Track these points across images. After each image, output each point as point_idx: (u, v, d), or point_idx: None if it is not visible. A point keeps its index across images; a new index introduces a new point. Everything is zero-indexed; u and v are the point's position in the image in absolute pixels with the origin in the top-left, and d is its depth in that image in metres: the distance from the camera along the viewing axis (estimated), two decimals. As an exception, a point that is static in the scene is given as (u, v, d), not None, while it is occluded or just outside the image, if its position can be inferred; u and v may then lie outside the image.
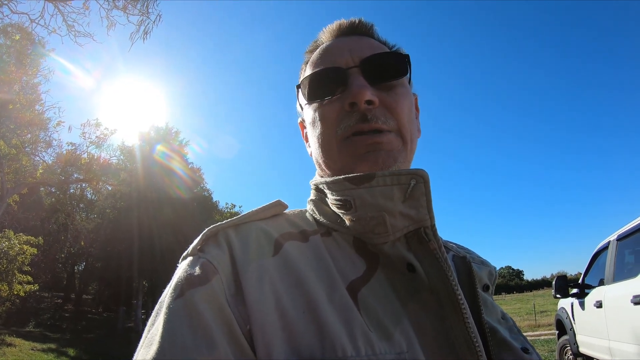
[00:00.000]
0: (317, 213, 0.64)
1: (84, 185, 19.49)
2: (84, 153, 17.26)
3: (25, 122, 13.53)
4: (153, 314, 0.49)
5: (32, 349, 12.98)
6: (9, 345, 12.63)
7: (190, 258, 0.53)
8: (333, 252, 0.57)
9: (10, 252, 15.31)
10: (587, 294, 5.00)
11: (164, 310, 0.46)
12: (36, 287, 17.28)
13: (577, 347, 5.37)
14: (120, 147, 22.81)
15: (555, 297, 5.87)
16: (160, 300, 0.49)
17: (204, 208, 28.86)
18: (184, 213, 24.22)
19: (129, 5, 11.25)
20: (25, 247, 15.94)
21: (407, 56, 0.66)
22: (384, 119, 0.60)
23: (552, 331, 7.22)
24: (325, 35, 0.71)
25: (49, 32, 10.89)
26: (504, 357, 0.56)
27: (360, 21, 0.70)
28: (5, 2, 9.48)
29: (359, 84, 0.59)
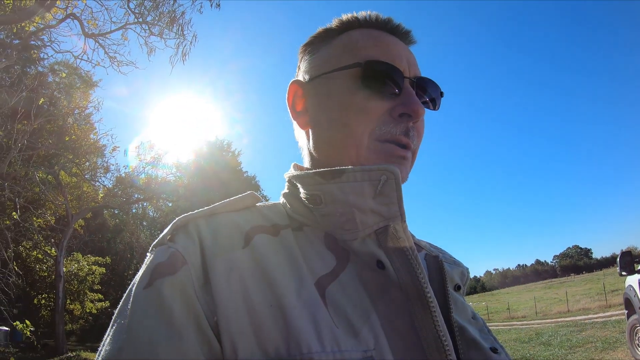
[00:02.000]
0: (289, 207, 0.63)
1: (145, 204, 20.36)
2: (142, 174, 18.04)
3: (82, 151, 14.33)
4: (121, 302, 0.48)
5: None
6: (84, 360, 13.35)
7: (159, 247, 0.52)
8: (303, 247, 0.56)
9: (80, 273, 16.36)
10: None
11: (131, 299, 0.46)
12: (107, 304, 18.38)
13: None
14: (175, 164, 23.74)
15: (621, 275, 5.48)
16: (129, 288, 0.49)
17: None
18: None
19: (165, 30, 11.52)
20: (94, 267, 16.98)
21: (443, 93, 0.67)
22: (415, 140, 0.61)
23: (623, 311, 6.58)
24: (367, 22, 0.67)
25: (93, 65, 11.39)
26: (472, 356, 0.56)
27: (410, 30, 0.68)
28: (48, 44, 10.05)
29: (417, 100, 0.59)
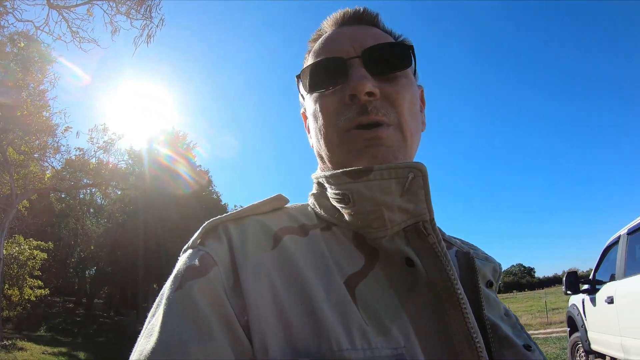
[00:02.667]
0: (317, 207, 0.63)
1: (93, 190, 19.62)
2: (92, 158, 17.41)
3: (33, 128, 13.68)
4: (154, 305, 0.50)
5: (43, 353, 13.07)
6: (21, 349, 12.74)
7: (190, 251, 0.54)
8: (332, 246, 0.56)
9: (21, 257, 15.50)
10: (598, 289, 4.94)
11: (163, 301, 0.47)
12: (47, 291, 17.48)
13: (589, 344, 5.28)
14: (128, 151, 23.04)
15: (566, 294, 5.77)
16: (161, 292, 0.50)
17: (212, 210, 29.00)
18: (192, 216, 24.32)
19: (132, 10, 11.33)
20: (35, 252, 16.13)
21: (411, 47, 0.65)
22: (384, 111, 0.59)
23: (564, 328, 7.22)
24: (328, 24, 0.70)
25: (54, 38, 10.99)
26: (505, 353, 0.55)
27: (364, 10, 0.68)
28: (10, 10, 9.62)
29: (359, 75, 0.58)
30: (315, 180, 0.67)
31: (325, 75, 0.62)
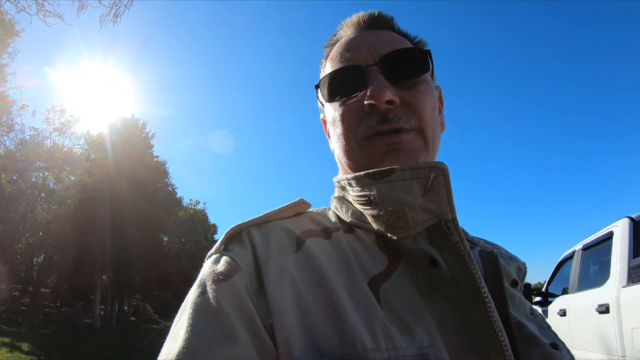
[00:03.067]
0: (339, 210, 0.65)
1: (46, 173, 18.97)
2: (47, 140, 16.93)
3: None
4: (180, 310, 0.50)
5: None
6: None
7: (214, 256, 0.55)
8: (355, 248, 0.58)
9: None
10: (551, 302, 5.03)
11: (188, 306, 0.48)
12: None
13: None
14: (85, 135, 22.31)
15: None
16: (186, 297, 0.51)
17: (167, 203, 28.56)
18: (147, 207, 23.91)
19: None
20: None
21: (428, 51, 0.65)
22: (405, 118, 0.60)
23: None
24: (344, 30, 0.71)
25: (18, 10, 10.75)
26: (532, 353, 0.55)
27: (379, 14, 0.69)
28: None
29: (378, 84, 0.59)
30: (337, 184, 0.68)
31: (344, 85, 0.63)
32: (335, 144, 0.67)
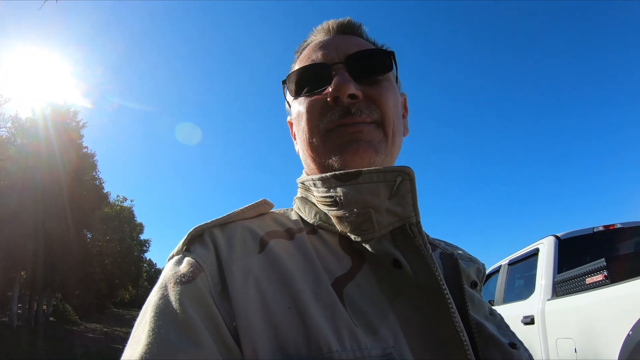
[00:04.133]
0: (303, 211, 0.66)
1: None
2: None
3: None
4: (141, 312, 0.49)
5: None
6: None
7: (176, 257, 0.54)
8: (319, 249, 0.58)
9: None
10: None
11: (150, 308, 0.47)
12: None
13: None
14: (12, 118, 20.85)
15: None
16: (148, 299, 0.50)
17: (93, 197, 27.26)
18: (72, 201, 22.77)
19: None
20: None
21: (392, 53, 0.68)
22: (368, 112, 0.62)
23: None
24: (314, 35, 0.74)
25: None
26: (491, 352, 0.57)
27: (348, 21, 0.73)
28: None
29: (342, 79, 0.61)
30: (300, 185, 0.70)
31: (310, 80, 0.65)
32: (300, 138, 0.69)
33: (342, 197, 0.57)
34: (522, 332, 3.68)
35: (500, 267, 5.04)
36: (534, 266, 3.99)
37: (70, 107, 25.20)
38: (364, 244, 0.57)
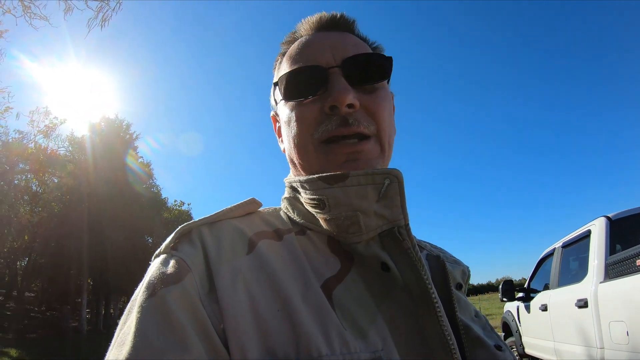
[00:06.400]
0: (291, 211, 0.64)
1: (29, 176, 18.74)
2: (31, 142, 16.73)
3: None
4: (125, 312, 0.48)
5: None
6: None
7: (163, 256, 0.52)
8: (307, 250, 0.57)
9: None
10: (533, 297, 5.16)
11: (136, 309, 0.45)
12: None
13: (523, 348, 5.51)
14: (69, 137, 22.11)
15: (502, 301, 5.95)
16: (132, 298, 0.48)
17: (152, 204, 28.43)
18: (133, 209, 23.77)
19: (89, -10, 11.20)
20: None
21: (390, 58, 0.65)
22: (365, 124, 0.60)
23: (500, 333, 7.68)
24: (304, 28, 0.70)
25: (4, 11, 10.66)
26: (477, 354, 0.56)
27: (342, 16, 0.69)
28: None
29: (340, 87, 0.58)
30: (288, 185, 0.67)
31: (304, 84, 0.61)
32: (289, 144, 0.65)
33: (329, 200, 0.56)
34: (577, 316, 3.67)
35: (554, 249, 4.91)
36: (586, 248, 3.87)
37: (122, 121, 26.28)
38: (352, 246, 0.56)
